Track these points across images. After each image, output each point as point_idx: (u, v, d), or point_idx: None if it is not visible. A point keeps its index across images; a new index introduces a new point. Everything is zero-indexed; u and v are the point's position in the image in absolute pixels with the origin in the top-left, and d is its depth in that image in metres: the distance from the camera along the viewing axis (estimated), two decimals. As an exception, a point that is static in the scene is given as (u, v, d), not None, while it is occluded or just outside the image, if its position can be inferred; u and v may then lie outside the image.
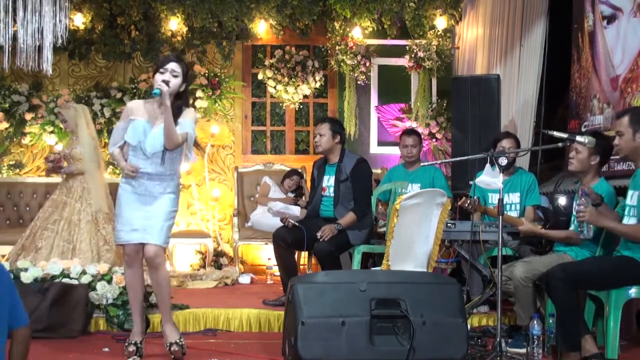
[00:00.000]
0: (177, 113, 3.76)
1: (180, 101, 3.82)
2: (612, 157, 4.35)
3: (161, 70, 3.76)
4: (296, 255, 5.69)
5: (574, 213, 4.28)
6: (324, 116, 7.50)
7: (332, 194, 5.12)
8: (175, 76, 3.76)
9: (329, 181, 5.16)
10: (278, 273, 6.52)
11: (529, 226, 4.40)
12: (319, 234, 4.87)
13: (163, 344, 4.02)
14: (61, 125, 7.01)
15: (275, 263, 6.56)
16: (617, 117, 3.87)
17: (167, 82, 3.71)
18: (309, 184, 5.99)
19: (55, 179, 7.16)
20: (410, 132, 5.69)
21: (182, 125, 3.77)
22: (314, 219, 5.15)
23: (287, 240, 5.02)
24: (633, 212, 3.77)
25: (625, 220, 3.82)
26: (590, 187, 3.95)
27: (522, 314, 4.26)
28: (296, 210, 5.27)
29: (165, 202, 3.82)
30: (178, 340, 3.85)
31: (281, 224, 5.16)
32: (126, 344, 3.86)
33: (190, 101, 7.08)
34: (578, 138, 3.86)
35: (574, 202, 4.17)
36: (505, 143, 4.92)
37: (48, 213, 5.63)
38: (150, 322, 4.27)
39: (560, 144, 3.96)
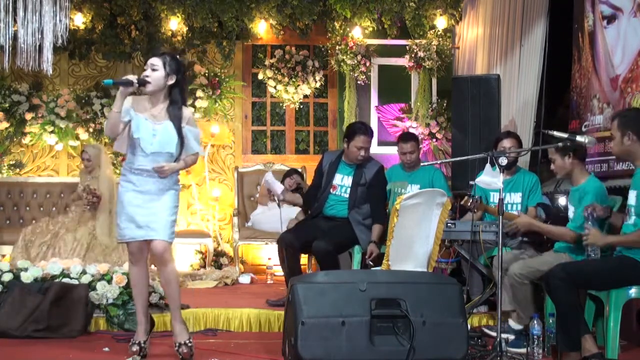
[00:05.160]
0: (176, 114, 3.77)
1: (172, 97, 3.79)
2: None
3: (144, 68, 3.78)
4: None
5: (569, 214, 4.30)
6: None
7: (344, 194, 5.05)
8: (155, 70, 3.73)
9: (342, 180, 5.08)
10: (278, 273, 6.54)
11: (526, 219, 4.39)
12: (369, 261, 4.80)
13: (166, 343, 4.03)
14: (61, 125, 7.03)
15: (276, 263, 6.58)
16: (611, 120, 3.92)
17: (145, 78, 3.71)
18: (309, 178, 5.91)
19: (56, 178, 7.19)
20: (406, 138, 5.58)
21: (189, 139, 3.80)
22: (315, 219, 5.12)
23: (293, 245, 4.94)
24: (633, 211, 3.77)
25: (627, 220, 3.82)
26: (595, 204, 3.95)
27: (520, 313, 4.26)
28: (279, 188, 5.12)
29: (167, 198, 3.82)
30: (187, 341, 3.84)
31: (284, 227, 5.13)
32: (130, 343, 3.85)
33: (190, 101, 7.08)
34: (578, 138, 3.86)
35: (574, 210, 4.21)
36: (507, 142, 4.92)
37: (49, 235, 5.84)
38: (154, 321, 4.26)
39: (560, 144, 3.96)
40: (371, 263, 4.80)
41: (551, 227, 4.35)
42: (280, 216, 5.69)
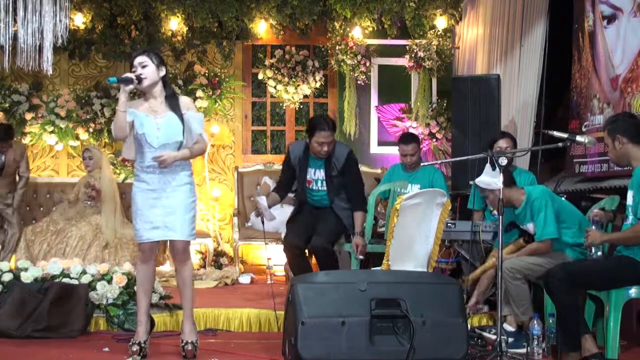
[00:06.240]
0: (175, 103, 3.84)
1: (166, 89, 3.88)
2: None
3: (132, 69, 3.83)
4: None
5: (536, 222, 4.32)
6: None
7: (322, 188, 5.02)
8: (145, 66, 3.80)
9: (315, 174, 5.03)
10: (278, 273, 6.56)
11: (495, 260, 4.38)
12: (358, 256, 4.80)
13: (166, 343, 4.04)
14: (61, 125, 7.03)
15: (276, 263, 6.59)
16: (602, 130, 3.99)
17: (139, 76, 3.76)
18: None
19: (56, 178, 7.19)
20: (407, 140, 5.56)
21: (191, 123, 3.84)
22: (305, 211, 5.09)
23: (300, 247, 4.93)
24: (631, 211, 3.78)
25: (626, 221, 3.83)
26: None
27: (515, 309, 4.24)
28: (269, 216, 5.04)
29: (181, 195, 3.83)
30: (195, 341, 3.88)
31: (285, 230, 5.12)
32: (130, 343, 3.87)
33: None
34: (578, 138, 3.87)
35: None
36: (502, 143, 4.95)
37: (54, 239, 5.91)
38: (155, 321, 4.27)
39: (560, 144, 3.97)
40: (361, 257, 4.78)
41: (522, 250, 4.37)
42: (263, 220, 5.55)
